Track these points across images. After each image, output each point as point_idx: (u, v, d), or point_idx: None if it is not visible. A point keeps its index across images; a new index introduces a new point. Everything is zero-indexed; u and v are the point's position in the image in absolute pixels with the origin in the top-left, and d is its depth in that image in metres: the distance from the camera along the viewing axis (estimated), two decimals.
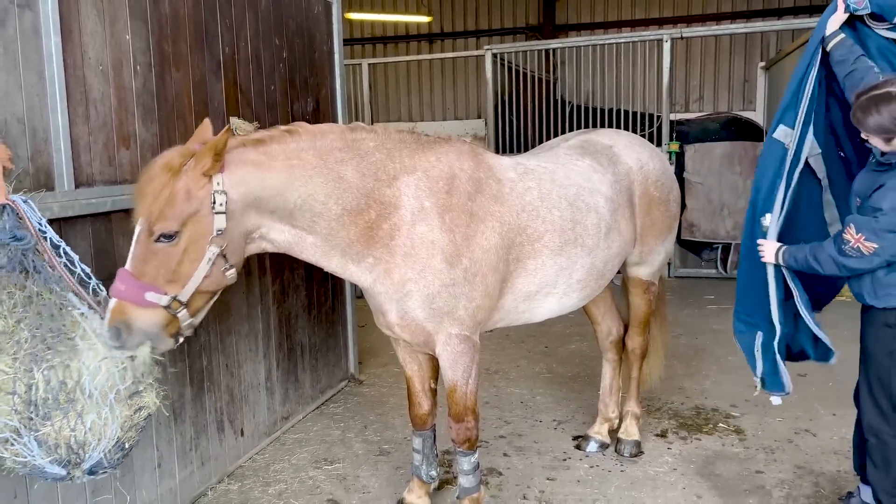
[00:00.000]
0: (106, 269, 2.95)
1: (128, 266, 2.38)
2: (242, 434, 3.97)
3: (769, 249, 3.01)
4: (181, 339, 2.52)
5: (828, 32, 2.98)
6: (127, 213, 3.08)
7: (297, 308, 4.54)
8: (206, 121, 2.62)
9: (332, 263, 2.77)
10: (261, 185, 2.50)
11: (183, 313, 2.42)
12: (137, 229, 2.40)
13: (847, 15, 2.95)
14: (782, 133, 3.00)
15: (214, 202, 2.39)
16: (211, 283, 2.46)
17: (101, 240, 2.97)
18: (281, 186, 2.53)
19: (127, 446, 2.53)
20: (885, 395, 2.89)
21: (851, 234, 2.73)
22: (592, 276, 3.26)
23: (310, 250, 2.71)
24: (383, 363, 5.70)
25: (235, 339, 3.90)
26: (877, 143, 2.71)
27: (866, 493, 3.17)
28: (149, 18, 3.19)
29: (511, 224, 2.94)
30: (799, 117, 2.97)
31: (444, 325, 2.85)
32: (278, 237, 2.64)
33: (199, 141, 2.49)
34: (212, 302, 2.59)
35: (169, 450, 3.40)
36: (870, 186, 2.80)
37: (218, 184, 2.40)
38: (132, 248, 2.40)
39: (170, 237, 2.36)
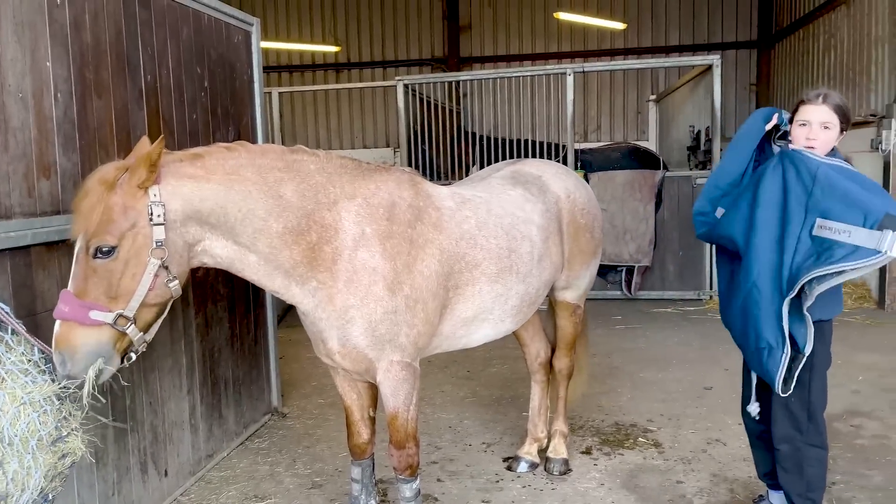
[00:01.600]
0: (26, 306, 2.80)
1: (69, 286, 2.36)
2: (166, 474, 3.80)
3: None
4: (133, 358, 2.50)
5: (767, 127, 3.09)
6: (48, 246, 2.97)
7: (220, 341, 4.42)
8: (144, 137, 2.61)
9: (275, 284, 2.77)
10: (199, 198, 2.50)
11: (132, 329, 2.40)
12: (76, 247, 2.37)
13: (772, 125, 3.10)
14: None
15: (152, 214, 2.39)
16: (155, 295, 2.45)
17: (21, 275, 2.82)
18: (220, 200, 2.54)
19: (51, 497, 2.41)
20: (801, 405, 3.04)
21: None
22: (526, 303, 3.38)
23: (252, 268, 2.71)
24: (306, 395, 5.61)
25: (159, 375, 3.75)
26: (817, 133, 2.90)
27: (775, 497, 3.41)
28: (70, 45, 3.08)
29: (450, 252, 3.02)
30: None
31: (385, 352, 2.88)
32: (221, 252, 2.64)
33: (137, 156, 2.47)
34: (162, 317, 2.57)
35: (91, 495, 3.22)
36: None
37: (155, 196, 2.40)
38: (73, 268, 2.37)
39: (108, 252, 2.34)
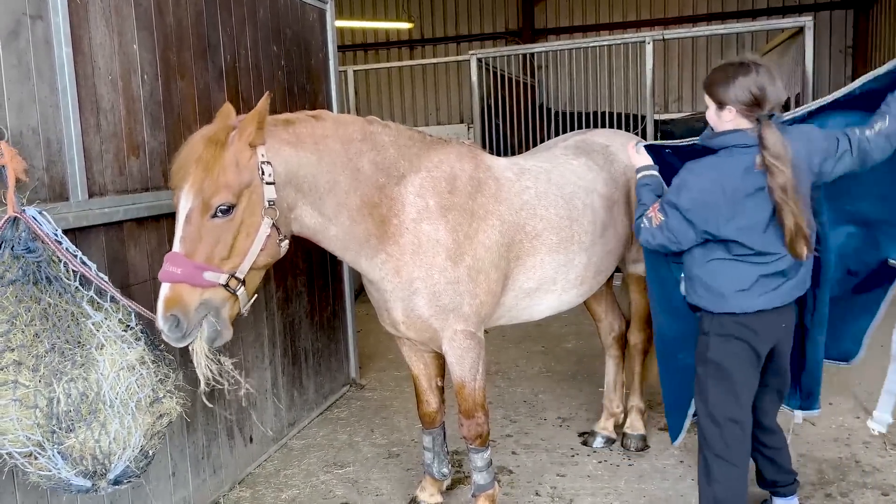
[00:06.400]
0: (119, 279, 2.96)
1: (177, 248, 2.30)
2: (251, 441, 3.98)
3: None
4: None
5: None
6: (138, 222, 3.12)
7: (300, 314, 4.56)
8: (227, 104, 2.61)
9: (347, 255, 2.84)
10: (297, 162, 2.55)
11: (241, 291, 2.38)
12: (186, 206, 2.31)
13: None
14: None
15: (263, 172, 2.40)
16: (266, 255, 2.45)
17: (115, 249, 2.98)
18: (312, 167, 2.59)
19: (150, 454, 2.54)
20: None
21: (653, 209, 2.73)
22: (590, 273, 3.34)
23: (330, 241, 2.77)
24: (382, 368, 5.72)
25: (242, 347, 3.91)
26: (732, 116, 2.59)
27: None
28: (154, 29, 3.20)
29: (510, 222, 3.02)
30: None
31: (449, 321, 2.91)
32: (309, 222, 2.67)
33: (225, 121, 2.47)
34: (261, 278, 2.59)
35: (182, 458, 3.40)
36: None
37: (262, 155, 2.42)
38: (180, 229, 2.32)
39: (227, 210, 2.32)
